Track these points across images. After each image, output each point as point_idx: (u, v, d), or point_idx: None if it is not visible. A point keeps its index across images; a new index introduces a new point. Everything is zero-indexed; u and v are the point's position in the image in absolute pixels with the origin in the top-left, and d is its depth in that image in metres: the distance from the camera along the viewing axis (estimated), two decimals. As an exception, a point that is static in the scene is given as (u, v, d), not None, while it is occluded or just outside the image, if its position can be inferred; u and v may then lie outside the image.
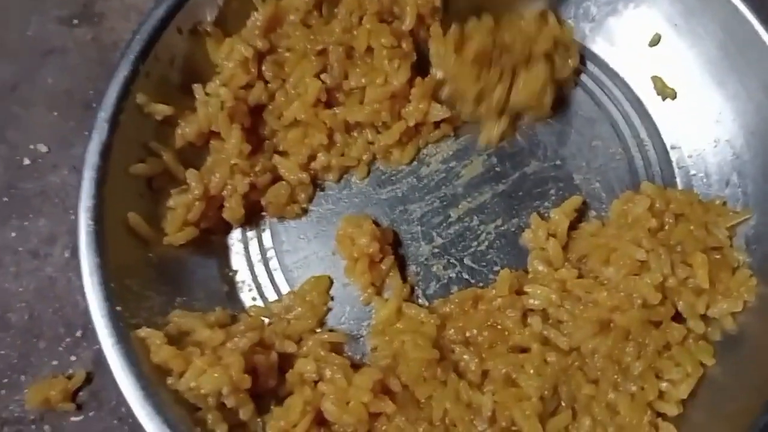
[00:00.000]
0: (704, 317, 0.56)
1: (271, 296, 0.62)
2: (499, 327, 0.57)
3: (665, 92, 0.65)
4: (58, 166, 0.67)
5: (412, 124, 0.63)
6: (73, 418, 0.60)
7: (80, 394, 0.61)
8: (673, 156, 0.64)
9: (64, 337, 0.62)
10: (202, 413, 0.53)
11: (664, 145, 0.65)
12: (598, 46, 0.67)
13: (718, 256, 0.57)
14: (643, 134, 0.65)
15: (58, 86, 0.70)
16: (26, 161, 0.67)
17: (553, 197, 0.63)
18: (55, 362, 0.62)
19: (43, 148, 0.68)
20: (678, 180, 0.64)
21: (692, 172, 0.63)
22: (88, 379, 0.61)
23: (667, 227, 0.58)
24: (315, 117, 0.63)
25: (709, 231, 0.58)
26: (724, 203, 0.60)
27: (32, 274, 0.63)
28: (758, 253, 0.58)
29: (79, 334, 0.62)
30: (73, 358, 0.62)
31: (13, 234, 0.65)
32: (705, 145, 0.63)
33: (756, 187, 0.59)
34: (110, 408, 0.60)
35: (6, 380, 0.61)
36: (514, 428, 0.53)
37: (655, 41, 0.64)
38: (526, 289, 0.57)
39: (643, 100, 0.66)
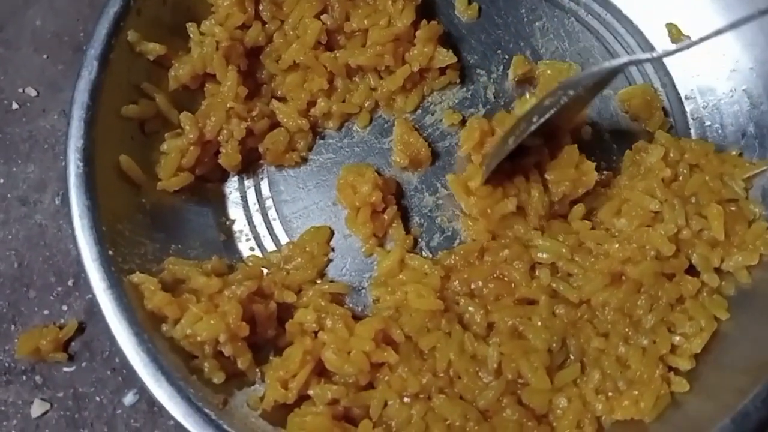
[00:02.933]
0: (718, 271, 0.54)
1: (270, 247, 0.60)
2: (505, 279, 0.55)
3: (680, 40, 0.62)
4: (47, 111, 0.65)
5: (416, 69, 0.60)
6: (65, 369, 0.59)
7: (72, 344, 0.59)
8: (688, 106, 0.62)
9: (55, 287, 0.60)
10: (198, 361, 0.51)
11: (678, 95, 0.62)
12: (611, -8, 0.64)
13: (733, 208, 0.55)
14: (657, 84, 0.62)
15: (46, 28, 0.67)
16: (14, 105, 0.65)
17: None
18: (46, 312, 0.60)
19: (31, 92, 0.65)
20: (692, 131, 0.61)
21: (707, 122, 0.61)
22: (80, 329, 0.59)
23: (681, 178, 0.56)
24: (315, 60, 0.60)
25: (724, 182, 0.56)
26: (740, 154, 0.58)
27: (21, 222, 0.60)
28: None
29: (70, 283, 0.60)
30: (64, 307, 0.60)
31: (1, 180, 0.63)
32: (720, 95, 0.61)
33: (774, 138, 0.57)
34: (103, 359, 0.58)
35: None
36: (520, 381, 0.51)
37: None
38: (535, 242, 0.55)
39: (657, 48, 0.63)
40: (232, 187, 0.61)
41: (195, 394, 0.48)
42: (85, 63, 0.54)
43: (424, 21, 0.61)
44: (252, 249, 0.59)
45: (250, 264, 0.58)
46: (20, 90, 0.65)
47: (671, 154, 0.56)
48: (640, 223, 0.54)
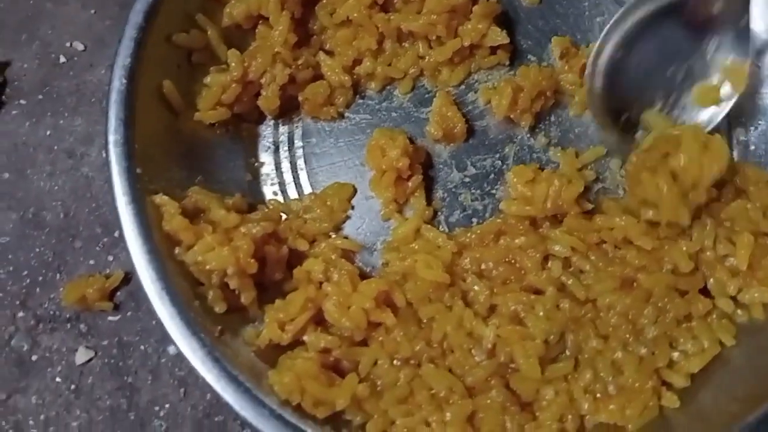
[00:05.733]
0: (734, 299, 0.53)
1: (293, 194, 0.61)
2: (516, 265, 0.55)
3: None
4: (94, 65, 0.65)
5: (467, 44, 0.60)
6: (110, 318, 0.59)
7: (118, 294, 0.60)
8: (734, 127, 0.60)
9: (101, 238, 0.61)
10: (203, 289, 0.52)
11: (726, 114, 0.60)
12: None
13: (766, 242, 0.54)
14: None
15: None
16: (62, 59, 0.65)
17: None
18: (91, 262, 0.61)
19: (79, 47, 0.65)
20: (735, 152, 0.60)
21: (752, 147, 0.60)
22: (126, 280, 0.60)
23: (723, 199, 0.54)
24: (368, 19, 0.60)
25: (766, 215, 0.54)
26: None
27: (68, 174, 0.61)
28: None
29: (117, 234, 0.60)
30: (110, 258, 0.61)
31: (48, 132, 0.63)
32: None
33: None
34: (148, 308, 0.56)
35: (41, 278, 0.60)
36: (512, 365, 0.52)
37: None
38: (552, 234, 0.54)
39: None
40: (266, 131, 0.62)
41: (195, 317, 0.50)
42: (146, -14, 0.55)
43: (483, -3, 0.60)
44: (275, 194, 0.61)
45: (271, 207, 0.59)
46: (68, 44, 0.65)
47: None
48: (666, 234, 0.53)
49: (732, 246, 0.52)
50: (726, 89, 0.56)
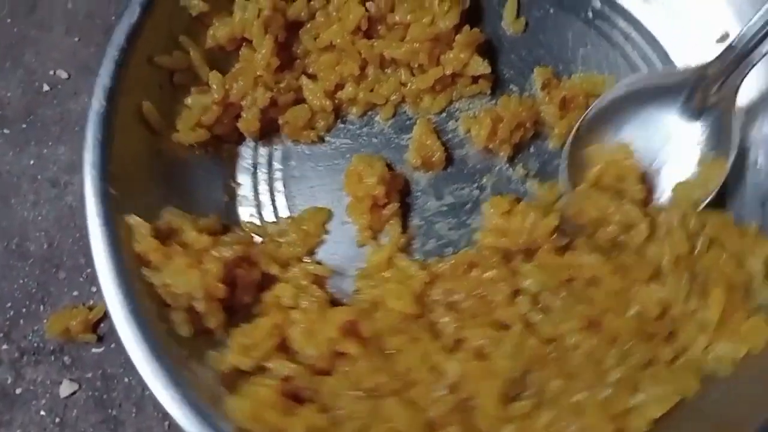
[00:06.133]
0: (702, 348, 0.53)
1: (269, 217, 0.61)
2: (486, 298, 0.55)
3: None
4: (78, 93, 0.65)
5: (448, 72, 0.60)
6: (94, 350, 0.60)
7: (101, 325, 0.60)
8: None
9: (85, 268, 0.61)
10: (170, 311, 0.53)
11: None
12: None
13: (740, 294, 0.53)
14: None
15: (78, 9, 0.67)
16: (45, 87, 0.65)
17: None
18: (75, 293, 0.61)
19: (63, 74, 0.65)
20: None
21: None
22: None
23: (696, 252, 0.54)
24: (351, 45, 0.60)
25: (741, 263, 0.53)
26: (760, 228, 0.56)
27: (51, 203, 0.60)
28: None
29: None
30: (93, 289, 0.61)
31: (32, 161, 0.63)
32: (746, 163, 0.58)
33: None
34: None
35: (24, 310, 0.60)
36: (472, 402, 0.51)
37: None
38: (523, 269, 0.54)
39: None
40: (245, 152, 0.62)
41: (159, 341, 0.50)
42: (129, 7, 0.55)
43: (467, 27, 0.60)
44: (252, 215, 0.61)
45: (246, 229, 0.60)
46: (51, 72, 0.65)
47: (691, 224, 0.54)
48: (636, 278, 0.53)
49: (703, 301, 0.52)
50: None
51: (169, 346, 0.51)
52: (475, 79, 0.61)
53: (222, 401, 0.50)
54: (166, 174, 0.58)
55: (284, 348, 0.53)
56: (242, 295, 0.56)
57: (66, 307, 0.58)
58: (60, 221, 0.61)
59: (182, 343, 0.52)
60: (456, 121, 0.62)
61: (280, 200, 0.61)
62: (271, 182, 0.62)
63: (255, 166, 0.62)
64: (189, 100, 0.59)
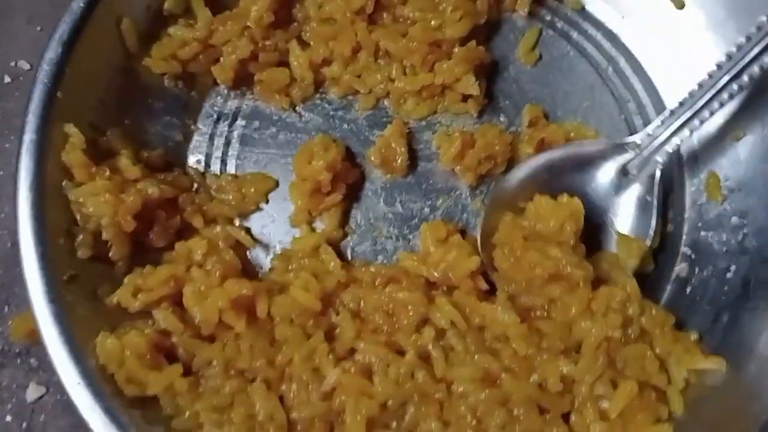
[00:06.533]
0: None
1: (215, 168, 0.59)
2: (393, 318, 0.52)
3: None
4: None
5: (438, 82, 0.57)
6: None
7: None
8: (678, 263, 0.56)
9: None
10: (76, 229, 0.51)
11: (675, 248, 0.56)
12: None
13: (652, 395, 0.49)
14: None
15: None
16: (6, 79, 0.63)
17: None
18: None
19: (25, 66, 0.63)
20: (668, 288, 0.55)
21: (688, 289, 0.55)
22: None
23: (623, 339, 0.50)
24: (350, 24, 0.58)
25: (663, 367, 0.50)
26: (700, 338, 0.52)
27: (13, 200, 0.52)
28: (700, 416, 0.49)
29: None
30: None
31: None
32: (717, 269, 0.54)
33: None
34: None
35: None
36: (341, 416, 0.49)
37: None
38: (438, 301, 0.51)
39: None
40: (215, 99, 0.60)
41: (52, 254, 0.49)
42: None
43: (473, 42, 0.57)
44: (198, 162, 0.59)
45: (187, 173, 0.58)
46: (12, 63, 0.63)
47: (630, 311, 0.51)
48: (549, 347, 0.50)
49: (612, 389, 0.48)
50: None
51: (59, 262, 0.49)
52: (464, 98, 0.58)
53: (95, 336, 0.48)
54: (125, 96, 0.57)
55: (179, 303, 0.52)
56: (157, 237, 0.54)
57: (30, 309, 0.51)
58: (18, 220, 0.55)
59: (74, 265, 0.50)
60: (433, 133, 0.59)
61: (231, 156, 0.59)
62: (229, 136, 0.60)
63: (219, 115, 0.60)
64: (172, 30, 0.57)
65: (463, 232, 0.56)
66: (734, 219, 0.55)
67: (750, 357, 0.50)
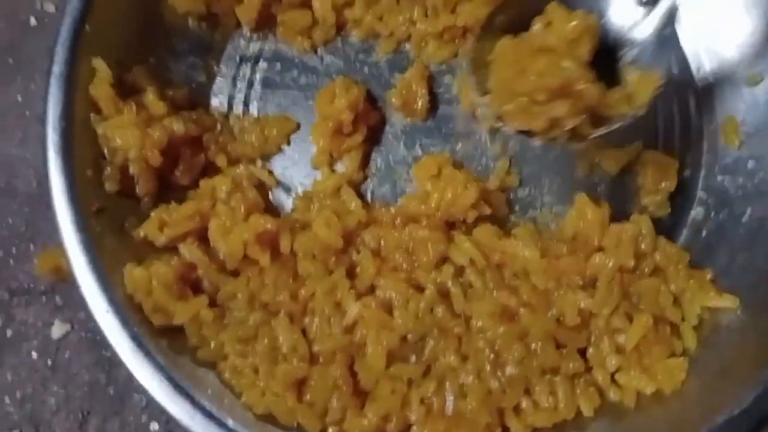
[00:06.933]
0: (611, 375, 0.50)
1: (237, 110, 0.60)
2: (412, 256, 0.53)
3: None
4: None
5: (460, 23, 0.57)
6: None
7: None
8: (696, 208, 0.56)
9: None
10: (104, 163, 0.52)
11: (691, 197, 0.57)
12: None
13: (667, 329, 0.50)
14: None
15: None
16: (32, 21, 0.63)
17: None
18: None
19: (50, 8, 0.63)
20: (684, 232, 0.56)
21: (704, 232, 0.56)
22: None
23: (638, 272, 0.51)
24: (373, -36, 0.57)
25: (678, 303, 0.51)
26: (714, 279, 0.53)
27: (40, 140, 0.53)
28: (713, 353, 0.50)
29: None
30: None
31: (19, 97, 0.61)
32: (735, 217, 0.55)
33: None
34: None
35: (14, 249, 0.58)
36: (363, 349, 0.50)
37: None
38: (457, 239, 0.52)
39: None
40: (238, 41, 0.60)
41: (80, 185, 0.50)
42: None
43: (496, -14, 0.57)
44: (220, 103, 0.60)
45: (210, 114, 0.58)
46: (38, 6, 0.63)
47: (643, 246, 0.51)
48: (567, 282, 0.50)
49: (628, 322, 0.49)
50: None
51: (87, 195, 0.50)
52: (485, 41, 0.58)
53: (122, 266, 0.49)
54: (150, 34, 0.57)
55: (204, 239, 0.53)
56: (182, 174, 0.55)
57: (56, 245, 0.52)
58: (46, 154, 0.55)
59: (102, 197, 0.51)
60: (453, 77, 0.59)
61: (254, 98, 0.60)
62: (251, 78, 0.60)
63: (242, 57, 0.60)
64: (194, -32, 0.57)
65: (456, 166, 0.56)
66: (750, 162, 0.55)
67: (763, 297, 0.51)
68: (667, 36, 0.49)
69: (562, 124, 0.48)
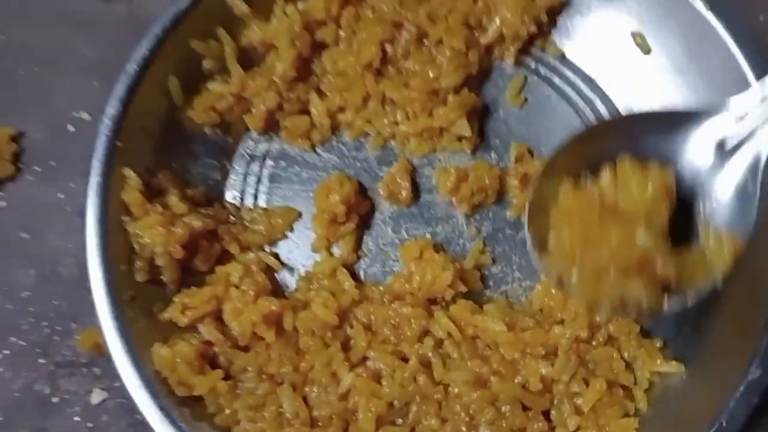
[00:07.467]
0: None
1: (248, 202, 0.69)
2: (398, 330, 0.61)
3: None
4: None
5: (436, 125, 0.66)
6: None
7: None
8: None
9: None
10: (135, 257, 0.61)
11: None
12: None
13: (620, 392, 0.57)
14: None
15: (96, 56, 0.74)
16: (70, 128, 0.72)
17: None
18: None
19: (85, 116, 0.72)
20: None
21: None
22: None
23: (594, 343, 0.59)
24: (360, 77, 0.67)
25: (630, 368, 0.58)
26: (664, 345, 0.60)
27: (80, 232, 0.61)
28: (662, 412, 0.57)
29: None
30: None
31: (61, 195, 0.70)
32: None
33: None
34: None
35: (59, 327, 0.67)
36: (354, 415, 0.58)
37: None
38: (437, 315, 0.60)
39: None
40: (248, 143, 0.70)
41: (115, 278, 0.59)
42: (180, -5, 0.64)
43: (466, 90, 0.66)
44: (234, 198, 0.69)
45: (225, 207, 0.68)
46: (74, 114, 0.72)
47: (598, 318, 0.59)
48: (531, 352, 0.58)
49: (585, 386, 0.57)
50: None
51: (121, 284, 0.59)
52: (460, 138, 0.67)
53: (151, 346, 0.58)
54: (172, 142, 0.67)
55: (219, 319, 0.61)
56: (201, 263, 0.64)
57: (95, 325, 0.60)
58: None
59: (134, 286, 0.60)
60: (433, 168, 0.68)
61: (262, 192, 0.69)
62: (260, 174, 0.69)
63: (252, 156, 0.70)
64: (210, 85, 0.67)
65: (434, 248, 0.65)
66: (697, 241, 0.62)
67: (707, 363, 0.58)
68: (748, 192, 0.43)
69: (634, 302, 0.45)
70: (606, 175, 0.44)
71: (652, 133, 0.45)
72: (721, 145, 0.44)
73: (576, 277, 0.44)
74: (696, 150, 0.45)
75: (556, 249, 0.46)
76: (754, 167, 0.43)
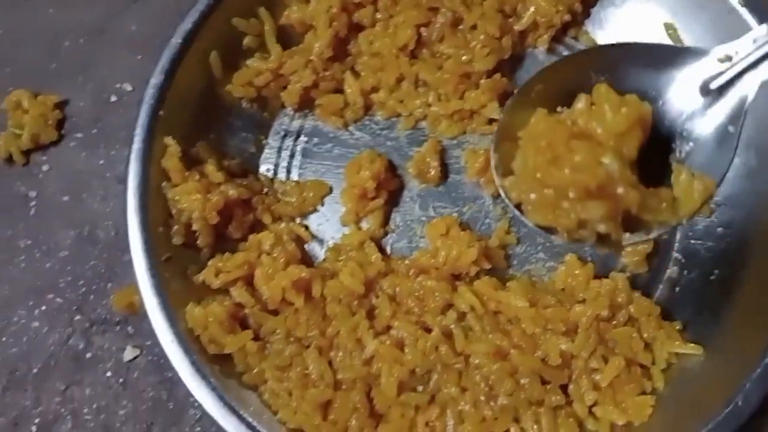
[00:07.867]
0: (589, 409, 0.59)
1: (281, 175, 0.71)
2: (422, 302, 0.63)
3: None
4: (141, 103, 0.70)
5: (467, 108, 0.68)
6: None
7: None
8: (673, 266, 0.65)
9: None
10: (172, 221, 0.64)
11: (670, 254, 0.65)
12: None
13: (638, 371, 0.59)
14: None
15: (141, 31, 0.78)
16: (113, 98, 0.76)
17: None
18: None
19: (127, 87, 0.76)
20: (661, 286, 0.64)
21: (677, 288, 0.64)
22: None
23: (615, 322, 0.60)
24: (395, 59, 0.69)
25: (649, 348, 0.59)
26: (684, 327, 0.61)
27: (118, 197, 0.64)
28: (679, 392, 0.58)
29: None
30: None
31: (101, 162, 0.74)
32: (705, 274, 0.63)
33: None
34: None
35: (94, 287, 0.70)
36: (377, 380, 0.60)
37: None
38: (460, 289, 0.62)
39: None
40: (283, 118, 0.72)
41: (153, 240, 0.62)
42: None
43: (498, 74, 0.68)
44: (268, 170, 0.71)
45: (259, 179, 0.70)
46: (118, 85, 0.76)
47: (620, 298, 0.60)
48: (551, 328, 0.60)
49: (604, 363, 0.58)
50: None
51: (159, 245, 0.62)
52: (490, 121, 0.69)
53: (185, 304, 0.61)
54: (211, 115, 0.69)
55: (251, 283, 0.64)
56: (235, 230, 0.66)
57: (130, 285, 0.63)
58: (125, 213, 0.66)
59: (170, 248, 0.63)
60: (462, 150, 0.70)
61: (295, 166, 0.71)
62: (293, 149, 0.72)
63: (286, 132, 0.72)
64: (249, 62, 0.70)
65: (461, 226, 0.66)
66: (719, 230, 0.64)
67: (725, 346, 0.59)
68: (728, 135, 0.42)
69: (591, 227, 0.44)
70: (581, 101, 0.42)
71: (634, 66, 0.44)
72: (705, 87, 0.43)
73: (535, 197, 0.42)
74: (679, 89, 0.44)
75: (520, 169, 0.44)
76: (737, 109, 0.42)
